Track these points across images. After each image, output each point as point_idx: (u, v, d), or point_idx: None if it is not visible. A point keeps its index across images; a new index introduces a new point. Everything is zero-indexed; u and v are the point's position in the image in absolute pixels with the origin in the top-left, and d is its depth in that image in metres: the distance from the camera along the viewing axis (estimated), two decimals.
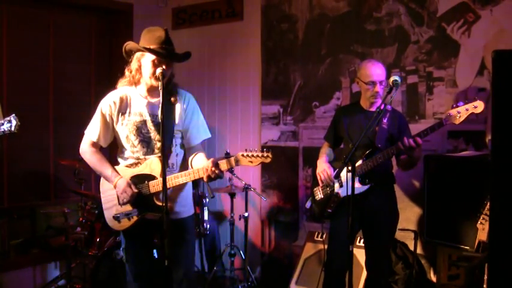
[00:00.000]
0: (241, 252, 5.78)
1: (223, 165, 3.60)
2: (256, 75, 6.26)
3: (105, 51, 6.75)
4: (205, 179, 3.63)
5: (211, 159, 3.64)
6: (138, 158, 3.84)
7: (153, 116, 3.80)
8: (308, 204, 4.71)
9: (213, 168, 3.57)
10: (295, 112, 5.98)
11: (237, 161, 3.58)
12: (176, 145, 3.87)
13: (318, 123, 5.80)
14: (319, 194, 4.57)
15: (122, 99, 3.84)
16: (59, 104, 6.31)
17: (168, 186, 3.57)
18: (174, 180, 3.71)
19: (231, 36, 6.45)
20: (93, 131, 3.90)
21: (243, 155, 3.57)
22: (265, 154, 3.54)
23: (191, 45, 3.79)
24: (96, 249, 5.43)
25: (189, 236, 3.98)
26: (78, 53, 6.55)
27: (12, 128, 3.72)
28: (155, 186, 3.74)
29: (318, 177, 4.53)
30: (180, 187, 3.88)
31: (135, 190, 3.76)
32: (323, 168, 4.51)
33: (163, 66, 3.62)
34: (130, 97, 3.86)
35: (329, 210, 4.46)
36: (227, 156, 5.50)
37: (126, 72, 3.86)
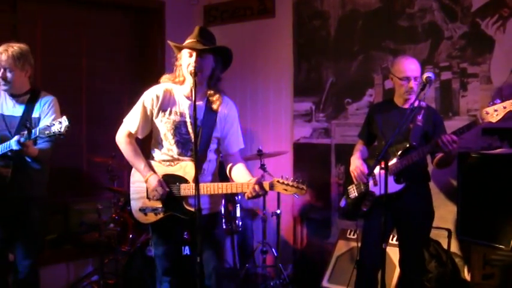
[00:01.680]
0: (273, 249, 5.78)
1: (266, 187, 3.58)
2: (288, 72, 6.25)
3: (137, 49, 6.79)
4: (247, 196, 3.60)
5: (255, 178, 3.61)
6: (172, 157, 3.83)
7: (192, 118, 3.70)
8: (343, 203, 4.67)
9: (258, 188, 3.55)
10: (328, 109, 5.95)
11: (271, 187, 3.57)
12: (210, 151, 3.85)
13: (350, 120, 5.76)
14: (353, 192, 4.54)
15: (165, 96, 3.81)
16: (92, 102, 6.37)
17: (203, 192, 3.61)
18: (206, 188, 3.69)
19: (263, 33, 6.45)
20: (132, 122, 3.88)
21: (278, 181, 3.56)
22: (300, 186, 3.54)
23: (223, 42, 3.78)
24: (128, 246, 5.48)
25: (217, 232, 3.98)
26: (111, 51, 6.59)
27: (62, 129, 3.72)
28: (186, 189, 3.74)
29: (352, 175, 4.50)
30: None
31: (167, 189, 3.76)
32: (356, 165, 4.48)
33: (194, 58, 3.62)
34: (174, 95, 3.83)
35: (364, 209, 4.43)
36: (259, 153, 5.56)
37: (172, 74, 3.86)
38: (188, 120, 3.78)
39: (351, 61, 5.74)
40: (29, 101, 4.30)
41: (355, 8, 5.69)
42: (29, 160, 4.16)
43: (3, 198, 4.22)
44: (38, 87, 4.45)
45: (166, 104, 3.81)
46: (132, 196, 3.96)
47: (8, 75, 4.18)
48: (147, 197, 3.85)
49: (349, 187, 4.57)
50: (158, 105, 3.80)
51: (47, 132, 3.76)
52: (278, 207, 5.65)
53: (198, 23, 6.79)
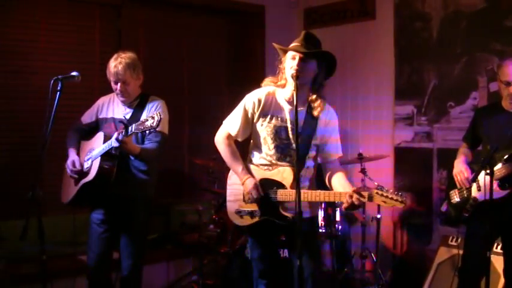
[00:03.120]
0: (372, 254, 5.71)
1: (365, 198, 3.50)
2: (389, 75, 6.16)
3: (237, 53, 6.88)
4: (344, 207, 3.54)
5: (354, 188, 3.56)
6: (270, 162, 3.84)
7: (294, 124, 3.60)
8: (444, 208, 4.56)
9: (356, 199, 3.47)
10: (430, 112, 5.82)
11: (370, 198, 3.47)
12: (309, 158, 3.84)
13: (453, 124, 5.61)
14: (455, 197, 4.42)
15: (266, 100, 3.82)
16: (194, 105, 6.50)
17: (303, 199, 3.52)
18: (304, 195, 3.58)
19: (363, 35, 6.39)
20: (233, 125, 3.93)
21: (377, 193, 3.46)
22: (400, 199, 3.43)
23: (323, 45, 3.77)
24: (227, 247, 5.54)
25: (313, 236, 3.97)
26: (211, 54, 6.71)
27: (154, 124, 3.75)
28: (283, 195, 3.71)
29: (455, 179, 4.39)
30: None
31: (262, 193, 3.76)
32: (460, 169, 4.36)
33: (296, 61, 3.61)
34: (276, 99, 3.83)
35: (465, 215, 4.31)
36: (360, 157, 5.52)
37: (279, 74, 3.87)
38: (289, 125, 3.77)
39: (454, 63, 5.59)
40: (138, 105, 4.43)
41: (458, 8, 5.54)
42: (132, 159, 4.28)
43: (108, 196, 4.35)
44: (147, 92, 4.56)
45: (267, 108, 3.82)
46: (228, 198, 4.02)
47: (127, 88, 4.32)
48: (244, 200, 3.88)
49: (452, 192, 4.46)
50: (259, 110, 3.82)
51: (141, 127, 3.82)
52: (378, 212, 5.58)
53: (298, 26, 6.82)
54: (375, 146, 6.18)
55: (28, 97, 5.39)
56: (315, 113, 3.76)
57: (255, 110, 3.83)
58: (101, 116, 4.51)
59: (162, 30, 6.30)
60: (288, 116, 3.78)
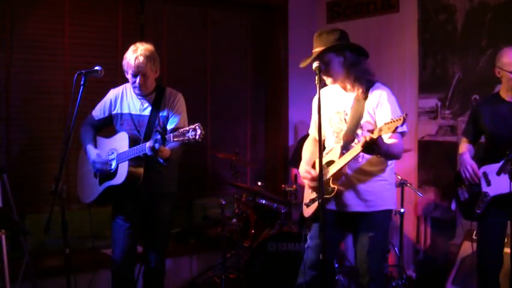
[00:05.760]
0: (395, 248, 5.68)
1: (375, 133, 3.44)
2: (412, 68, 6.11)
3: (260, 47, 6.87)
4: (361, 148, 3.51)
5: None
6: (329, 146, 3.97)
7: (345, 108, 3.90)
8: (453, 206, 4.53)
9: (368, 138, 3.44)
10: (454, 106, 5.77)
11: (380, 130, 3.42)
12: (359, 135, 3.82)
13: None
14: (464, 194, 4.37)
15: (325, 93, 4.01)
16: (217, 99, 6.51)
17: (330, 173, 3.73)
18: (333, 167, 3.76)
19: (387, 28, 6.35)
20: (311, 127, 4.23)
21: (385, 123, 3.42)
22: (397, 118, 3.36)
23: None
24: (250, 241, 5.55)
25: (370, 233, 3.86)
26: (234, 49, 6.73)
27: (197, 137, 3.69)
28: (332, 168, 3.79)
29: (463, 175, 4.34)
30: (362, 178, 3.85)
31: (313, 173, 3.85)
32: (469, 164, 4.31)
33: (317, 60, 3.68)
34: (331, 93, 4.01)
35: (478, 211, 4.26)
36: None
37: None
38: (341, 110, 3.92)
39: (479, 56, 5.53)
40: (156, 99, 4.37)
41: (484, 1, 5.47)
42: (160, 161, 4.21)
43: (136, 195, 4.35)
44: (163, 84, 4.52)
45: (325, 100, 3.98)
46: (304, 201, 4.09)
47: (146, 81, 4.25)
48: (310, 192, 3.98)
49: (459, 188, 4.40)
50: (322, 104, 3.85)
51: (181, 138, 3.75)
52: (402, 206, 5.54)
53: (321, 20, 6.80)
54: None
55: (51, 92, 5.44)
56: (359, 94, 3.84)
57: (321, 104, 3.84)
58: (114, 112, 4.45)
59: (185, 25, 6.31)
60: (339, 104, 3.94)
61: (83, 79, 3.86)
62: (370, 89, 3.85)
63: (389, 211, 3.99)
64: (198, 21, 6.41)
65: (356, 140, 3.81)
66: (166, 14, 6.15)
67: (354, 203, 3.85)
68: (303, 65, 3.84)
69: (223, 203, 5.67)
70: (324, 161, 3.84)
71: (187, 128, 3.75)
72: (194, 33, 6.39)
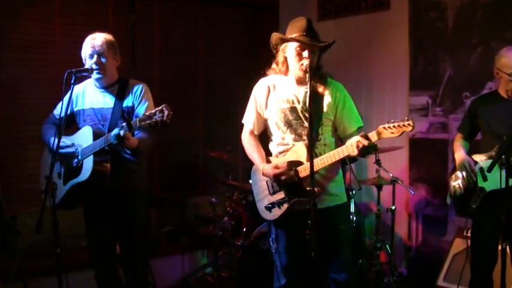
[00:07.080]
0: (387, 245, 5.69)
1: (373, 137, 3.42)
2: (403, 66, 6.12)
3: (252, 45, 6.87)
4: (356, 154, 3.45)
5: (362, 133, 3.46)
6: (287, 144, 3.83)
7: (301, 103, 3.78)
8: (449, 201, 4.54)
9: (364, 141, 3.38)
10: (445, 103, 5.79)
11: (379, 135, 3.39)
12: (323, 134, 3.80)
13: None
14: (459, 189, 4.38)
15: (273, 86, 3.90)
16: (208, 97, 6.51)
17: (318, 167, 3.59)
18: (320, 162, 3.62)
19: (378, 26, 6.35)
20: (249, 119, 4.00)
21: (384, 128, 3.38)
22: (405, 123, 3.33)
23: (337, 36, 3.79)
24: (242, 239, 5.53)
25: (342, 226, 3.88)
26: (227, 47, 6.73)
27: (165, 118, 3.46)
28: (302, 171, 3.68)
29: (460, 172, 4.35)
30: (329, 175, 3.83)
31: (285, 167, 3.70)
32: (466, 160, 4.32)
33: (306, 53, 3.64)
34: (280, 84, 3.88)
35: (473, 206, 4.27)
36: None
37: (273, 65, 3.90)
38: (297, 105, 3.80)
39: (470, 53, 5.55)
40: (119, 90, 4.15)
41: None
42: (128, 152, 4.04)
43: (104, 194, 4.08)
44: (125, 76, 4.30)
45: (273, 93, 3.88)
46: (256, 198, 4.00)
47: (102, 60, 4.03)
48: (270, 193, 3.87)
49: (455, 184, 4.41)
50: (266, 96, 3.88)
51: (148, 122, 3.53)
52: (393, 203, 5.55)
53: (312, 17, 6.76)
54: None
55: (44, 90, 5.42)
56: (319, 90, 3.78)
57: (263, 97, 3.89)
58: (76, 108, 4.23)
59: (176, 24, 6.30)
60: (294, 98, 3.81)
61: (73, 78, 3.84)
62: (329, 86, 3.82)
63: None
64: (189, 21, 6.41)
65: (325, 140, 3.80)
66: (157, 13, 6.13)
67: (329, 199, 3.81)
68: (310, 42, 3.69)
69: (215, 201, 5.68)
70: (285, 159, 3.79)
71: (153, 111, 3.54)
72: (186, 32, 6.38)
